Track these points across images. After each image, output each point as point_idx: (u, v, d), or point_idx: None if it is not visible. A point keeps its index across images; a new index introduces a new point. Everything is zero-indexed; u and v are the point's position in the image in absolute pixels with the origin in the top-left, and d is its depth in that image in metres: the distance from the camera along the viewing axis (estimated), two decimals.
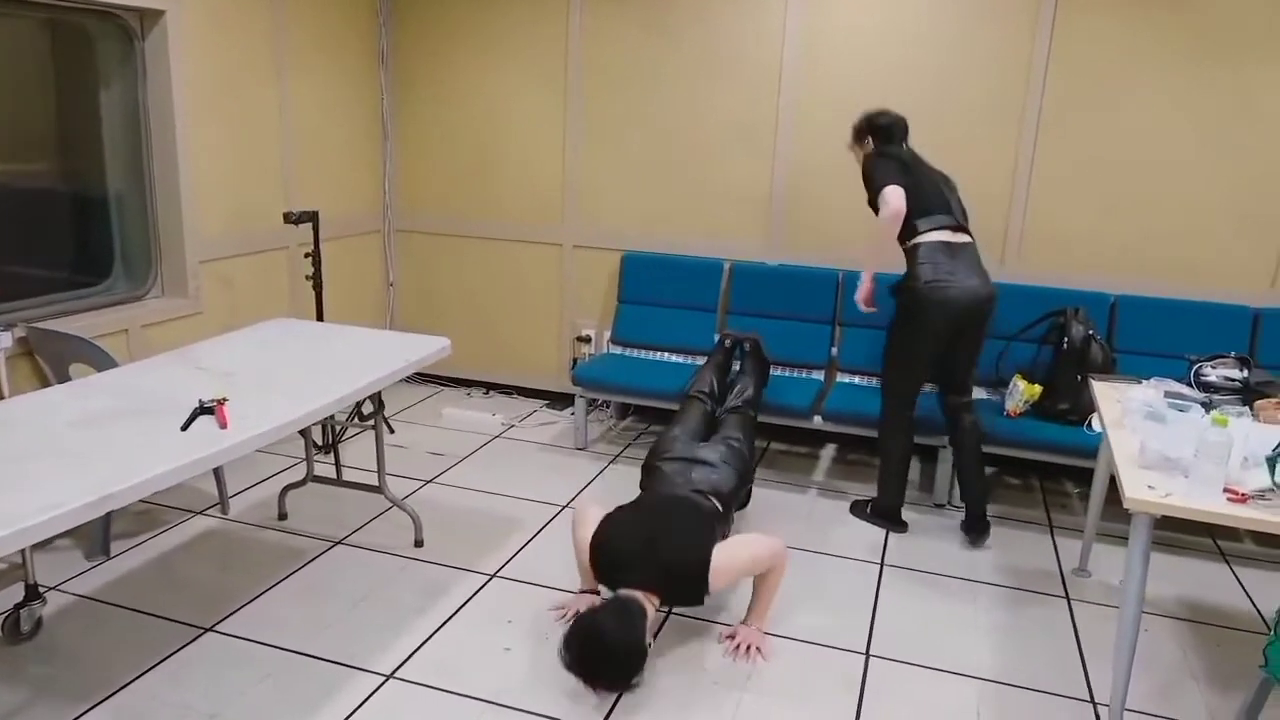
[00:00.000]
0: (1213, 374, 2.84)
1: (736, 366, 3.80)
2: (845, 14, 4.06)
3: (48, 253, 3.57)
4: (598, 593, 2.92)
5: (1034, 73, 3.89)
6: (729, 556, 2.62)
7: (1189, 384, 2.84)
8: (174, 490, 2.18)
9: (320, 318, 4.02)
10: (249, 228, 4.08)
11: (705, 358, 3.91)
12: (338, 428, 3.69)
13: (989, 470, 4.19)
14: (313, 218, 3.90)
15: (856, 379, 4.18)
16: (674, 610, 2.94)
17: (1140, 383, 2.89)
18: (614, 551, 2.63)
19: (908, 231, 3.29)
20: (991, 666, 2.72)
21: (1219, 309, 3.79)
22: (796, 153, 4.26)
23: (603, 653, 2.41)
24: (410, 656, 2.65)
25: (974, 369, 3.50)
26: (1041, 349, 3.82)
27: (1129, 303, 3.90)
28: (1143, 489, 2.15)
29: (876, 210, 3.28)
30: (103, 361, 2.99)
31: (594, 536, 2.67)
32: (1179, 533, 3.56)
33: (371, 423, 3.32)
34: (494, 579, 3.11)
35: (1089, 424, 3.36)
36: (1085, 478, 3.69)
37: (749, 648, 2.72)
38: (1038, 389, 3.70)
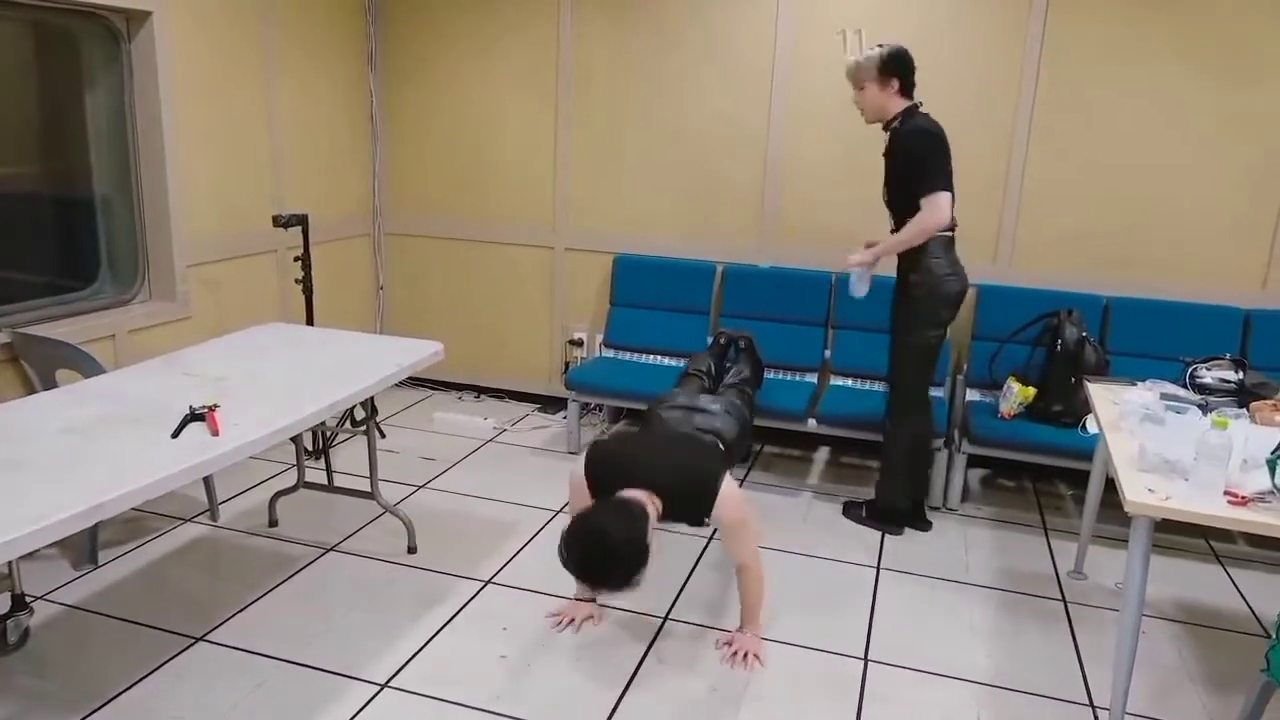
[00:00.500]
0: (1208, 376, 2.84)
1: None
2: (836, 17, 4.04)
3: (33, 257, 3.52)
4: (594, 600, 2.90)
5: (1026, 74, 3.90)
6: (734, 493, 2.58)
7: (1184, 386, 2.84)
8: (162, 497, 2.14)
9: (310, 322, 3.98)
10: (237, 231, 4.03)
11: None
12: (329, 433, 3.65)
13: (983, 472, 4.21)
14: (302, 221, 3.87)
15: (850, 381, 4.17)
16: (671, 615, 2.92)
17: (1135, 385, 2.88)
18: (619, 455, 2.59)
19: None
20: (990, 670, 2.71)
21: (1211, 310, 3.80)
22: (788, 155, 4.25)
23: (605, 551, 2.31)
24: (405, 665, 2.62)
25: None
26: (1035, 351, 3.82)
27: (1121, 304, 3.91)
28: (1143, 492, 2.15)
29: (908, 188, 3.19)
30: (90, 367, 2.95)
31: (590, 452, 2.61)
32: (1173, 534, 3.56)
33: (363, 428, 3.29)
34: (488, 585, 3.08)
35: (1084, 426, 3.36)
36: (1079, 480, 3.70)
37: (746, 654, 2.70)
38: (1032, 391, 3.70)
